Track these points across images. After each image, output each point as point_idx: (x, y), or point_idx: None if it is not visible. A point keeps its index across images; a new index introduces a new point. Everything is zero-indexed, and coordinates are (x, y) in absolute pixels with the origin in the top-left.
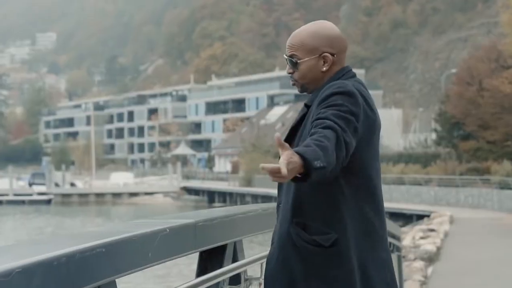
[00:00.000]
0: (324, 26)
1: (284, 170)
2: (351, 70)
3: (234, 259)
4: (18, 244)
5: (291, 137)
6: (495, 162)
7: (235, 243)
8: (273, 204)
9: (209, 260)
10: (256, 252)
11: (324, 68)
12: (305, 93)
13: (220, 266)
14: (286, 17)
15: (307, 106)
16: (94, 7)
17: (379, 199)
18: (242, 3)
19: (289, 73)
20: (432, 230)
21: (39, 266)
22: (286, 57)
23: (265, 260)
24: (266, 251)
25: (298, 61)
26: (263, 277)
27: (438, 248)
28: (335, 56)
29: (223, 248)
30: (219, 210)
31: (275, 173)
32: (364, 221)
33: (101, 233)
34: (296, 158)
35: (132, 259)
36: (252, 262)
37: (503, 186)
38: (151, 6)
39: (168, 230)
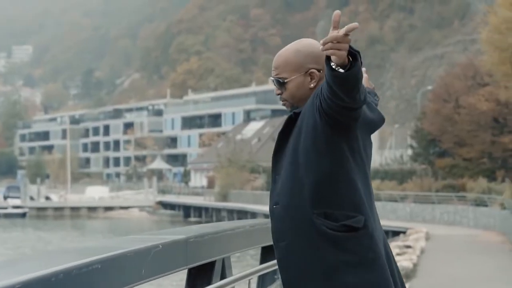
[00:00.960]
0: (307, 43)
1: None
2: None
3: (223, 276)
4: (18, 260)
5: (281, 145)
6: (471, 179)
7: (223, 259)
8: (260, 220)
9: (198, 277)
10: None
11: (312, 85)
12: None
13: (209, 283)
14: (263, 33)
15: (296, 114)
16: (71, 20)
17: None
18: (219, 19)
19: (278, 94)
20: (408, 247)
21: (38, 282)
22: (272, 78)
23: (252, 277)
24: (253, 267)
25: (285, 81)
26: None
27: (415, 265)
28: (321, 72)
29: (211, 264)
30: (209, 226)
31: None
32: (371, 203)
33: (96, 248)
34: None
35: (126, 276)
36: (240, 279)
37: (479, 203)
38: (128, 20)
39: (161, 246)
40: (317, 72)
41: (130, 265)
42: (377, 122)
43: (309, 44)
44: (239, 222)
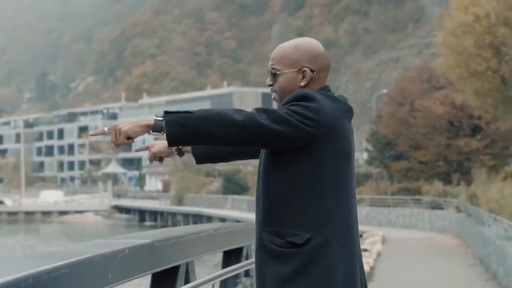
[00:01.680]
0: (308, 42)
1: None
2: (330, 90)
3: (186, 280)
4: None
5: (264, 153)
6: (426, 182)
7: (187, 263)
8: (223, 224)
9: (162, 281)
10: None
11: (303, 83)
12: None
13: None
14: (218, 36)
15: None
16: (25, 24)
17: (349, 199)
18: (174, 22)
19: (269, 85)
20: (364, 250)
21: (8, 287)
22: (268, 68)
23: (216, 281)
24: (216, 271)
25: (277, 73)
26: None
27: (371, 268)
28: (315, 73)
29: (176, 269)
30: (173, 230)
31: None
32: (343, 214)
33: (63, 253)
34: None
35: (94, 280)
36: (204, 283)
37: (434, 206)
38: (82, 24)
39: (127, 250)
40: (309, 72)
41: (97, 270)
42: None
43: (310, 43)
44: (203, 226)
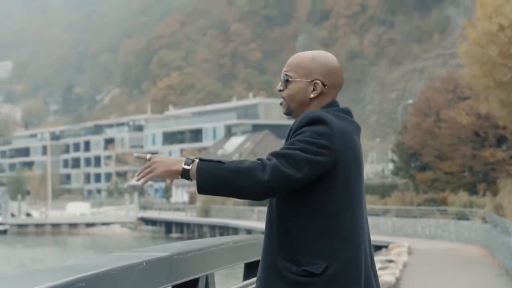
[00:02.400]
0: (326, 55)
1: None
2: (338, 105)
3: None
4: (1, 279)
5: None
6: (452, 193)
7: (207, 276)
8: (244, 237)
9: None
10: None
11: (312, 95)
12: (289, 116)
13: None
14: (243, 48)
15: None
16: (50, 36)
17: (362, 220)
18: (199, 34)
19: (279, 90)
20: (390, 261)
21: None
22: (281, 73)
23: None
24: (236, 284)
25: (290, 79)
26: None
27: (397, 279)
28: (326, 87)
29: (195, 281)
30: (193, 243)
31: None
32: (358, 238)
33: (81, 266)
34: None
35: None
36: None
37: (460, 217)
38: (108, 36)
39: (145, 264)
40: (321, 85)
41: (114, 283)
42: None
43: (327, 57)
44: (223, 239)
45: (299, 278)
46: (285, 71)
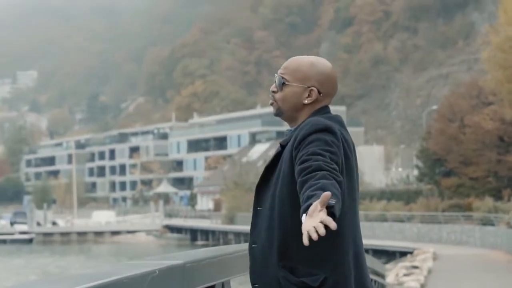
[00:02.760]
0: (325, 63)
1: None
2: (329, 110)
3: None
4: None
5: (266, 177)
6: (477, 198)
7: (223, 283)
8: None
9: None
10: None
11: (306, 101)
12: (277, 117)
13: None
14: (267, 55)
15: (282, 146)
16: (75, 45)
17: (359, 228)
18: (223, 41)
19: (273, 91)
20: (415, 267)
21: None
22: (276, 75)
23: None
24: None
25: (286, 83)
26: None
27: (422, 285)
28: (321, 95)
29: None
30: (207, 250)
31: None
32: (350, 256)
33: (91, 275)
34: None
35: None
36: None
37: (485, 222)
38: (132, 45)
39: (157, 272)
40: (316, 92)
41: None
42: (355, 167)
43: (326, 65)
44: (239, 246)
45: None
46: (282, 73)
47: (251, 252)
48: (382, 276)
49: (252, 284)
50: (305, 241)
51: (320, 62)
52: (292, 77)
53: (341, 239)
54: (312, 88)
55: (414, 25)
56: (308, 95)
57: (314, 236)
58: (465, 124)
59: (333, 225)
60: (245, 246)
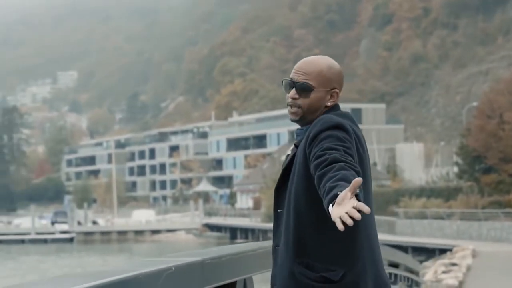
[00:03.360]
0: (335, 63)
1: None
2: (339, 107)
3: None
4: (20, 285)
5: (284, 179)
6: None
7: (245, 280)
8: None
9: None
10: None
11: (329, 103)
12: (296, 122)
13: None
14: (306, 53)
15: (296, 146)
16: (114, 45)
17: (374, 224)
18: (262, 40)
19: (293, 98)
20: (454, 264)
21: None
22: (294, 81)
23: None
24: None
25: (313, 89)
26: None
27: (461, 283)
28: (339, 94)
29: (232, 285)
30: (228, 248)
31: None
32: (368, 248)
33: (105, 272)
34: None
35: None
36: None
37: None
38: (171, 44)
39: (173, 269)
40: (338, 93)
41: None
42: (368, 163)
43: (336, 64)
44: (263, 243)
45: (316, 284)
46: (306, 79)
47: (274, 254)
48: (417, 274)
49: (272, 285)
50: (340, 226)
51: (333, 63)
52: (317, 82)
53: (357, 235)
54: (335, 90)
55: (453, 21)
56: (331, 97)
57: (349, 222)
58: (504, 120)
59: (366, 209)
60: (267, 243)
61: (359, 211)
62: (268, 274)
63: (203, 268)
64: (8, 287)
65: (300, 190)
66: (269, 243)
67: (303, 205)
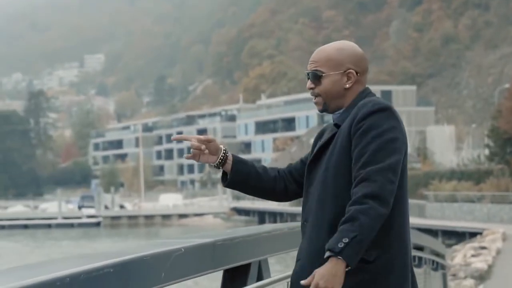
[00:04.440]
0: (350, 44)
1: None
2: (370, 91)
3: (259, 278)
4: (27, 265)
5: (318, 156)
6: None
7: (259, 262)
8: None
9: (233, 279)
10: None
11: (347, 85)
12: (324, 113)
13: (244, 285)
14: (336, 35)
15: (337, 126)
16: (142, 28)
17: (407, 211)
18: (290, 21)
19: (310, 88)
20: (483, 248)
21: (41, 287)
22: (307, 72)
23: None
24: (291, 270)
25: (323, 75)
26: None
27: (490, 266)
28: (358, 75)
29: (247, 267)
30: (242, 230)
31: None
32: (401, 233)
33: (112, 253)
34: (323, 270)
35: (142, 279)
36: (278, 280)
37: None
38: (199, 26)
39: (183, 250)
40: (354, 73)
41: (147, 269)
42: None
43: (352, 45)
44: (278, 225)
45: None
46: (315, 67)
47: (302, 229)
48: (443, 257)
49: (297, 260)
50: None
51: (346, 44)
52: (325, 67)
53: (392, 220)
54: (350, 70)
55: (485, 1)
56: (347, 78)
57: None
58: None
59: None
60: (282, 225)
61: None
62: (284, 256)
63: (214, 250)
64: (11, 268)
65: (342, 169)
66: (284, 225)
67: (342, 182)
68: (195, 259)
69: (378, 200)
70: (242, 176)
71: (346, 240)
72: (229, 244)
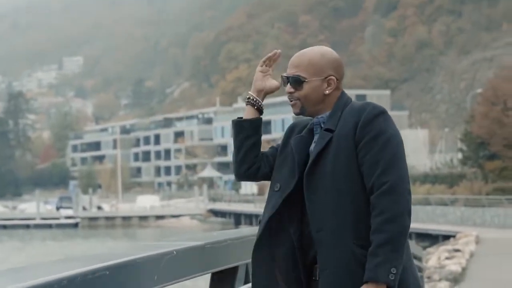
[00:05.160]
0: (329, 50)
1: None
2: (349, 96)
3: (247, 281)
4: (19, 268)
5: (317, 162)
6: None
7: (247, 265)
8: None
9: (220, 282)
10: None
11: (327, 91)
12: (300, 116)
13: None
14: (311, 39)
15: (329, 130)
16: (121, 31)
17: None
18: (267, 26)
19: (289, 92)
20: (457, 251)
21: None
22: (286, 75)
23: None
24: None
25: (305, 80)
26: None
27: (463, 269)
28: (338, 81)
29: (234, 270)
30: (230, 232)
31: None
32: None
33: (106, 255)
34: None
35: (136, 282)
36: None
37: None
38: (177, 30)
39: (175, 252)
40: (335, 80)
41: (140, 271)
42: None
43: (331, 51)
44: None
45: None
46: (295, 72)
47: (317, 237)
48: (420, 259)
49: (321, 269)
50: None
51: (327, 50)
52: (308, 73)
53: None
54: (331, 77)
55: (458, 8)
56: (328, 85)
57: None
58: (508, 107)
59: None
60: None
61: None
62: None
63: (204, 252)
64: (9, 270)
65: (353, 174)
66: None
67: (359, 189)
68: (186, 262)
69: (408, 215)
70: (255, 130)
71: (394, 270)
72: (218, 246)
